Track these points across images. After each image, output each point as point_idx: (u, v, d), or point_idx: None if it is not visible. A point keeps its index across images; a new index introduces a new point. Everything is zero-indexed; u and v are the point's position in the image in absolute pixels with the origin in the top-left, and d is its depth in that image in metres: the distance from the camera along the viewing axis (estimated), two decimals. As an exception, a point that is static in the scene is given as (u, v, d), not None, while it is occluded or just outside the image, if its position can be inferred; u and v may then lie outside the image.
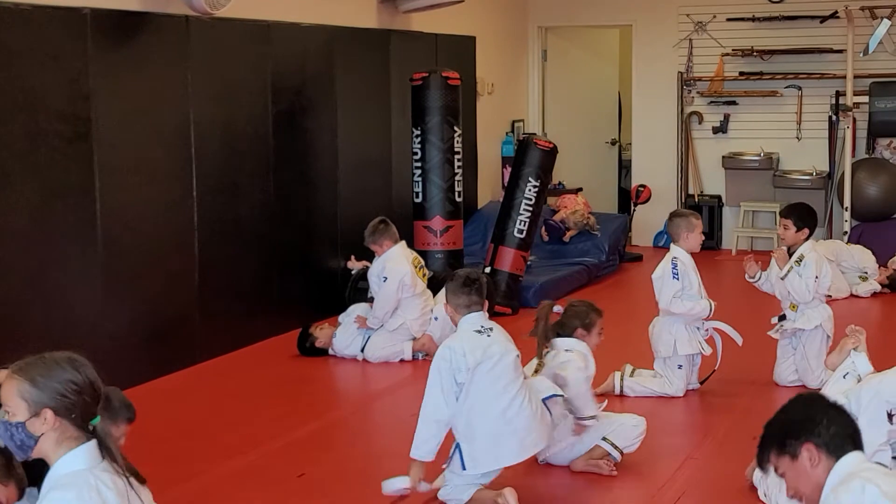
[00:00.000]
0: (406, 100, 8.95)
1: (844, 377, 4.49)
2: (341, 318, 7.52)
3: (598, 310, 5.51)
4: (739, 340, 6.42)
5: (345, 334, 7.39)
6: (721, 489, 5.03)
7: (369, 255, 7.66)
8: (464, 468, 4.75)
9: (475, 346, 4.72)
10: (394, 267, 7.27)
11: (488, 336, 4.78)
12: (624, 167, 12.98)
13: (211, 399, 6.57)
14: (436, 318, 7.35)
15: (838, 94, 10.88)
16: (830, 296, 8.95)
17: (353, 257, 8.03)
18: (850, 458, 2.97)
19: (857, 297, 9.15)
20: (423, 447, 4.76)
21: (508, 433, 4.75)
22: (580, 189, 11.56)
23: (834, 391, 4.42)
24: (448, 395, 4.70)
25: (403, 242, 7.48)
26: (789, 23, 11.21)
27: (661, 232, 11.85)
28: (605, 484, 5.17)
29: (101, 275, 6.46)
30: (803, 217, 6.60)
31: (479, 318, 4.84)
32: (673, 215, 6.68)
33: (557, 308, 5.46)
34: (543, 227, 10.06)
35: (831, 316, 6.57)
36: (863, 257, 9.43)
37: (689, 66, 11.66)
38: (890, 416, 4.16)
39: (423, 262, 7.60)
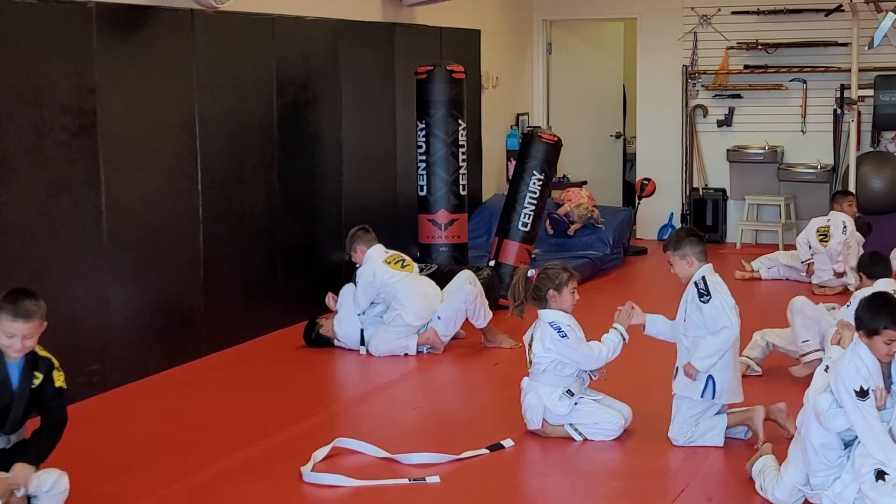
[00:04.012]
0: (410, 93, 8.95)
1: (826, 370, 4.61)
2: (338, 305, 7.54)
3: (570, 270, 5.63)
4: None
5: (343, 320, 7.41)
6: (721, 482, 5.06)
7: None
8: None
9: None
10: (362, 271, 7.36)
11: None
12: (628, 160, 12.99)
13: (216, 392, 6.60)
14: (438, 318, 7.32)
15: (843, 88, 10.88)
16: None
17: (357, 250, 8.03)
18: None
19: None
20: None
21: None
22: (585, 182, 11.57)
23: (820, 382, 4.57)
24: None
25: (379, 245, 7.48)
26: (794, 16, 11.20)
27: (665, 225, 11.87)
28: (607, 476, 5.20)
29: (107, 268, 6.48)
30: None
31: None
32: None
33: (532, 272, 5.63)
34: (548, 221, 10.07)
35: None
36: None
37: (694, 59, 11.66)
38: (864, 392, 4.35)
39: (403, 258, 7.55)
